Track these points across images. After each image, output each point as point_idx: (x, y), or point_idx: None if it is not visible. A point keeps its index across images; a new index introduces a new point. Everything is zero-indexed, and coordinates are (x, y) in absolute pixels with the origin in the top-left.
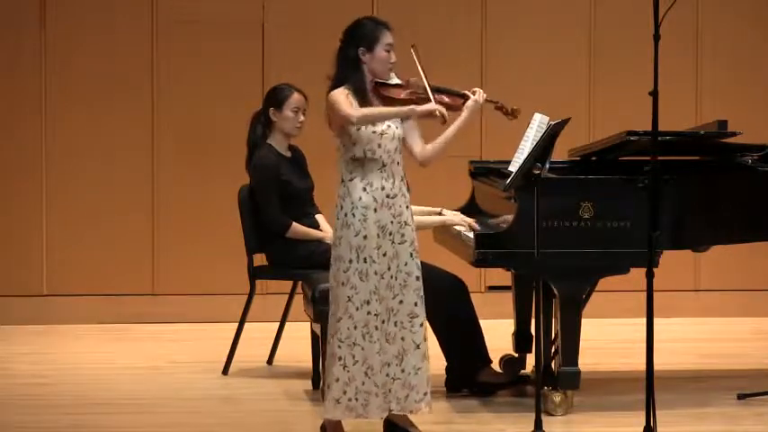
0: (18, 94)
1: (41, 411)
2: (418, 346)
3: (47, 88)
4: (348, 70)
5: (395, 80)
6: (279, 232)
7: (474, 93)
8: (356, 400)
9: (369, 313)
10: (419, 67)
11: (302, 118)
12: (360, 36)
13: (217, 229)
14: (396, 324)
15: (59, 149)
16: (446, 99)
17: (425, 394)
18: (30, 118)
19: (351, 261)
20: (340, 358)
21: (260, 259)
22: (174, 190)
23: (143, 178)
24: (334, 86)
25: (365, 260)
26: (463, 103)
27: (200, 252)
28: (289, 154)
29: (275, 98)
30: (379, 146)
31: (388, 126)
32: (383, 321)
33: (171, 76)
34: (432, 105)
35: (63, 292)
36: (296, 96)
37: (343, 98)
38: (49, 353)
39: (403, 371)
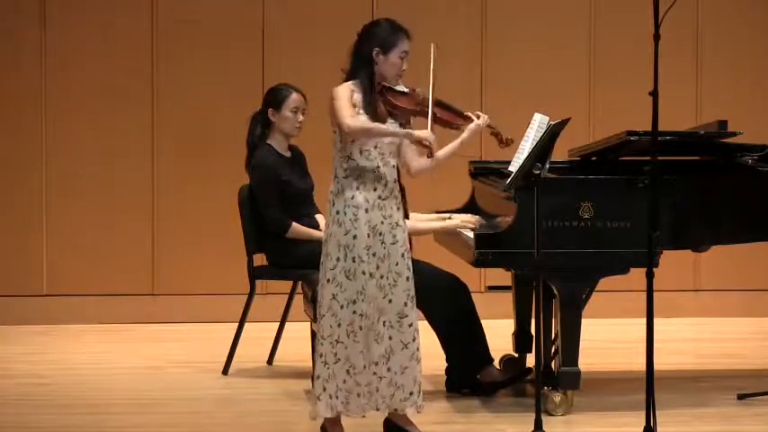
0: (18, 94)
1: (41, 411)
2: (406, 346)
3: (47, 88)
4: (359, 67)
5: (401, 87)
6: (279, 232)
7: (478, 116)
8: (336, 397)
9: (354, 312)
10: (431, 69)
11: (301, 118)
12: (377, 36)
13: (217, 229)
14: (384, 323)
15: (59, 149)
16: (444, 115)
17: (411, 394)
18: (30, 118)
19: (338, 259)
20: (321, 355)
21: (260, 259)
22: (174, 190)
23: (143, 178)
24: (346, 80)
25: (353, 259)
26: (461, 123)
27: (201, 252)
28: (288, 154)
29: (274, 98)
30: (376, 146)
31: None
32: (373, 322)
33: (171, 77)
34: (426, 133)
35: (63, 292)
36: (295, 96)
37: (345, 98)
38: (49, 353)
39: (389, 369)
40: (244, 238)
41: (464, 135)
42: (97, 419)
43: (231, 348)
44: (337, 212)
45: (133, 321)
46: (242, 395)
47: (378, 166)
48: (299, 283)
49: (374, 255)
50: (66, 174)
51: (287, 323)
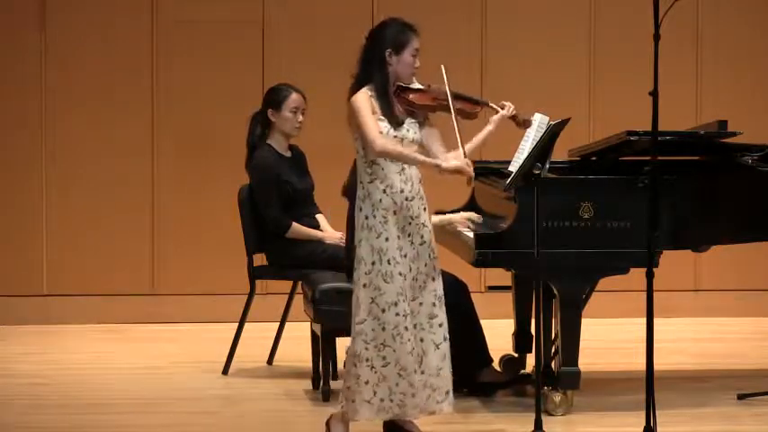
0: (18, 94)
1: (41, 411)
2: (438, 347)
3: (47, 88)
4: (373, 71)
5: (416, 85)
6: (279, 232)
7: (503, 107)
8: (390, 401)
9: (398, 314)
10: (445, 81)
11: (301, 118)
12: (388, 38)
13: (217, 229)
14: (416, 326)
15: (59, 149)
16: (463, 106)
17: (447, 393)
18: (30, 118)
19: (373, 263)
20: (367, 359)
21: (260, 259)
22: (174, 190)
23: (143, 178)
24: (358, 86)
25: (389, 262)
26: (479, 111)
27: (201, 252)
28: (288, 154)
29: (274, 98)
30: None
31: (408, 130)
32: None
33: (171, 77)
34: (460, 164)
35: (63, 292)
36: (294, 96)
37: (368, 110)
38: (49, 353)
39: (423, 372)
40: (244, 238)
41: (490, 127)
42: (97, 419)
43: (231, 348)
44: (366, 217)
45: (133, 321)
46: (242, 395)
47: (403, 168)
48: (299, 283)
49: (405, 256)
50: (66, 173)
51: (287, 323)
